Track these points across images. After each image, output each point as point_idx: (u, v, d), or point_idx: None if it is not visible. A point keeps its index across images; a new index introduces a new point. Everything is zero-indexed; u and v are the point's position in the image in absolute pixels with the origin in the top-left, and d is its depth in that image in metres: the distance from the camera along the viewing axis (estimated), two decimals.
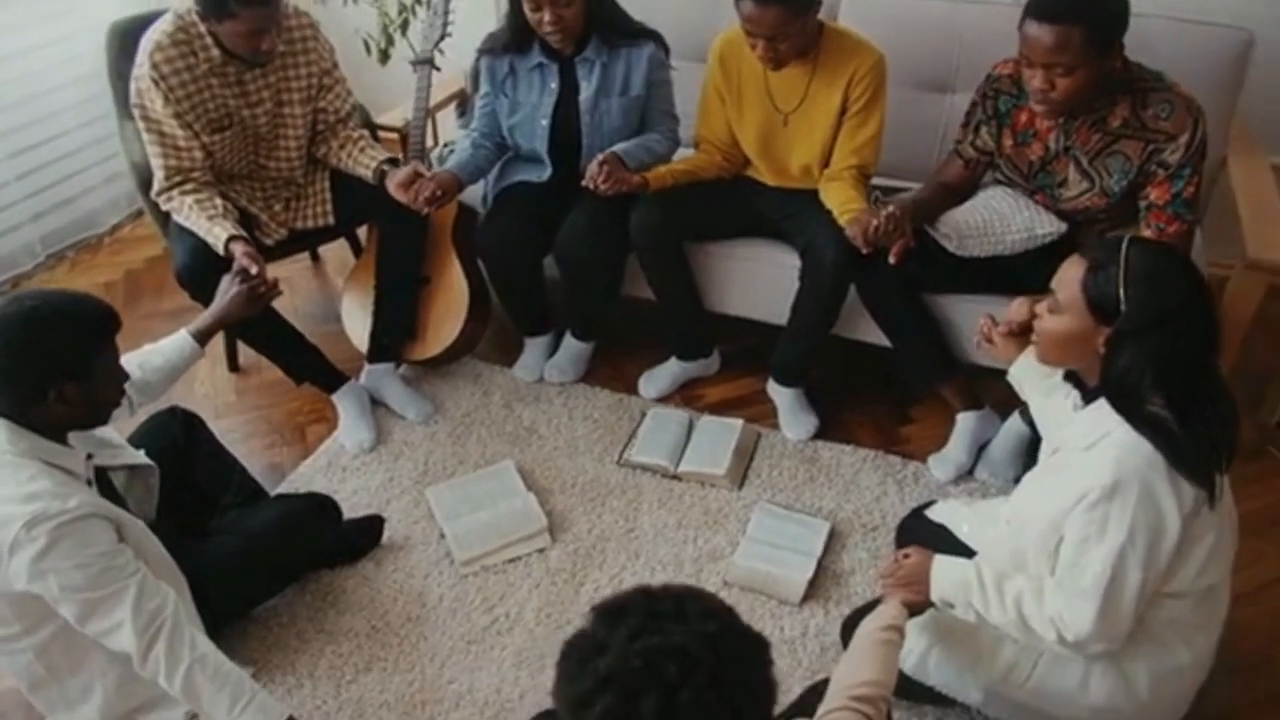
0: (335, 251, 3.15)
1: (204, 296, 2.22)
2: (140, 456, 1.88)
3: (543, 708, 1.83)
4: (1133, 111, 1.98)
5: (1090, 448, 1.51)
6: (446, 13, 2.63)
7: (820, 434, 2.49)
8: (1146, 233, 2.01)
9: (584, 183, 2.31)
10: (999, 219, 2.17)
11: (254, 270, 2.13)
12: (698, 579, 2.10)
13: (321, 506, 2.05)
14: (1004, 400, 2.37)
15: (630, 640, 0.97)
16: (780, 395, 2.55)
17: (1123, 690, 1.60)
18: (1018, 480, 2.30)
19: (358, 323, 2.65)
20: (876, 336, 2.41)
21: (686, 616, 0.99)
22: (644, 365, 2.70)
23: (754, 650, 1.00)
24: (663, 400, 2.63)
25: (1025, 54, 1.94)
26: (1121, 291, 1.44)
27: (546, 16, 2.26)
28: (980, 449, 2.38)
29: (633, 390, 2.65)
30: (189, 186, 2.30)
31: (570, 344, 2.69)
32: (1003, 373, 2.30)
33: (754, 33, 2.15)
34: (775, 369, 2.54)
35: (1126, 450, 1.44)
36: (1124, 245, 1.48)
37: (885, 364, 2.56)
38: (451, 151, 2.75)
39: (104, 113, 3.17)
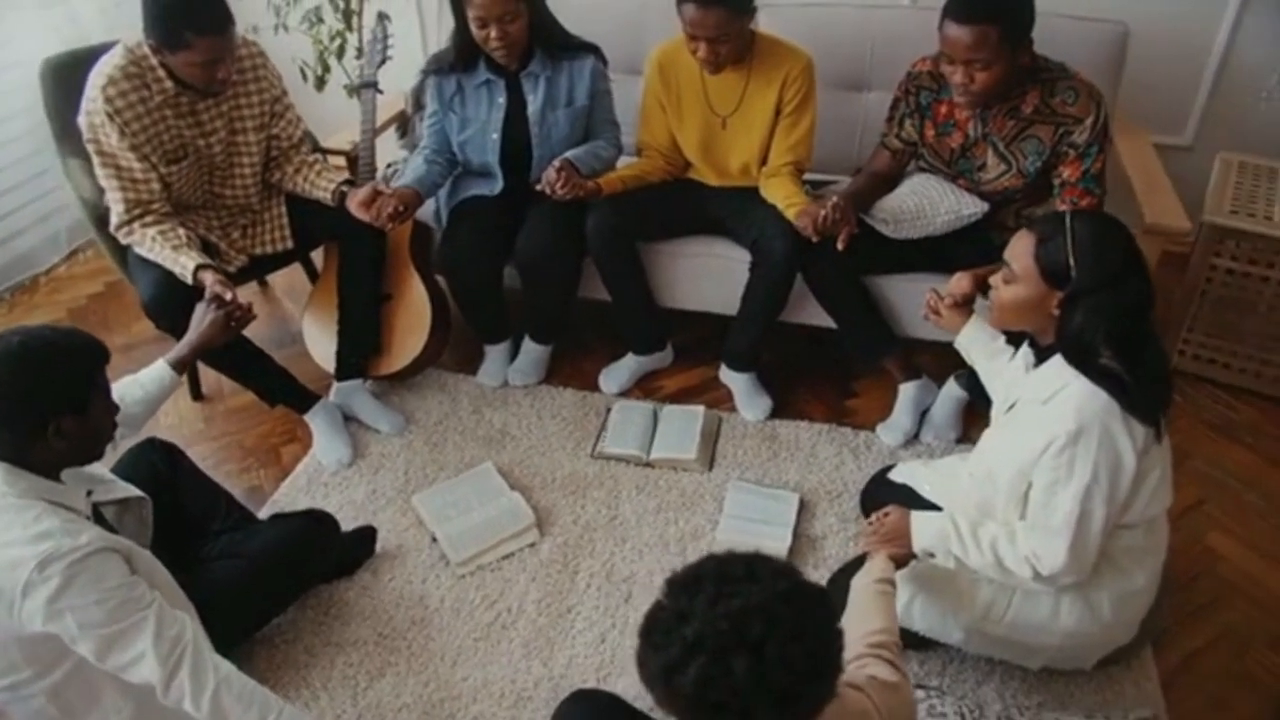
0: (283, 276, 3.05)
1: (175, 327, 2.13)
2: (131, 489, 1.79)
3: (558, 691, 1.84)
4: (1042, 99, 2.10)
5: (1048, 400, 1.61)
6: (386, 37, 2.59)
7: (775, 413, 2.54)
8: (1062, 208, 2.13)
9: (540, 187, 2.31)
10: (928, 203, 2.26)
11: (228, 296, 2.07)
12: (683, 557, 2.13)
13: (320, 521, 2.00)
14: (938, 369, 2.49)
15: (712, 605, 0.99)
16: (734, 380, 2.60)
17: (1089, 616, 1.71)
18: (959, 440, 2.45)
19: (322, 343, 2.58)
20: (818, 320, 2.48)
21: (759, 577, 1.01)
22: (601, 363, 2.71)
23: (821, 601, 1.03)
24: (624, 394, 2.64)
25: (946, 52, 2.04)
26: (1070, 258, 1.54)
27: (493, 33, 2.25)
28: (922, 414, 2.48)
29: (594, 387, 2.66)
30: (149, 219, 2.21)
31: (530, 348, 2.68)
32: (935, 344, 2.43)
33: (697, 35, 2.19)
34: (728, 356, 2.59)
35: (1085, 399, 1.54)
36: (1068, 217, 1.57)
37: (826, 345, 2.65)
38: (395, 172, 2.72)
39: (34, 150, 3.02)
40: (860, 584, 1.66)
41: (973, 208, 2.25)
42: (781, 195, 2.32)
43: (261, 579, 1.87)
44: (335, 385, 2.54)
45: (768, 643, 0.97)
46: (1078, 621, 1.71)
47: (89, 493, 1.63)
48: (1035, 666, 1.83)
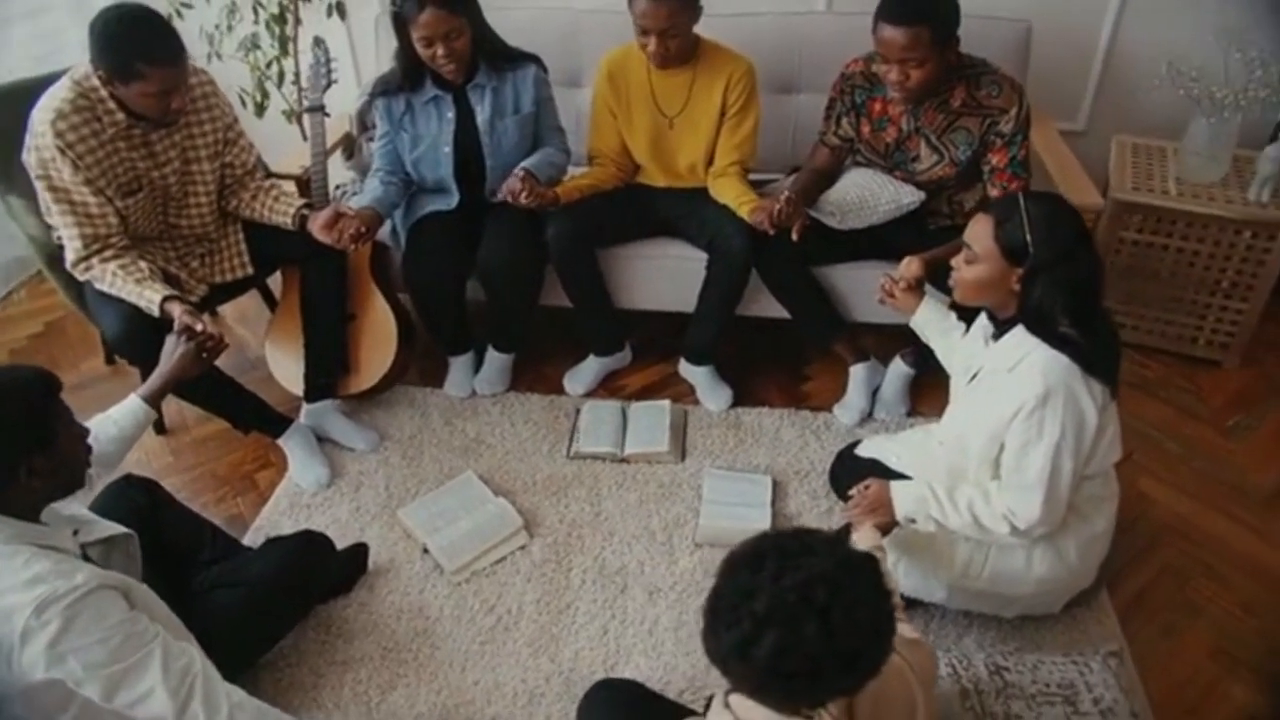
0: (233, 304, 2.92)
1: (144, 361, 2.04)
2: (116, 526, 1.69)
3: (570, 685, 1.82)
4: (968, 93, 2.18)
5: (1013, 368, 1.67)
6: (328, 61, 2.52)
7: (736, 402, 2.56)
8: (993, 192, 2.22)
9: (501, 196, 2.29)
10: (870, 194, 2.32)
11: (199, 327, 1.97)
12: (670, 545, 2.14)
13: (316, 542, 1.93)
14: (883, 350, 2.56)
15: (777, 579, 1.00)
16: (694, 374, 2.62)
17: (1059, 563, 1.79)
18: (909, 414, 2.52)
19: (287, 367, 2.49)
20: (770, 311, 2.52)
21: (815, 549, 1.03)
22: (563, 367, 2.70)
23: (874, 566, 1.05)
24: (590, 395, 2.63)
25: (882, 53, 2.10)
26: (1028, 237, 1.60)
27: (440, 51, 2.21)
28: (873, 393, 2.54)
29: (560, 391, 2.64)
30: (108, 253, 2.09)
31: (494, 357, 2.64)
32: (879, 327, 2.50)
33: (649, 29, 2.21)
34: (688, 351, 2.61)
35: (1049, 364, 1.61)
36: (1021, 199, 1.64)
37: (775, 334, 2.69)
38: (343, 194, 2.65)
39: None
40: None
41: (911, 197, 2.32)
42: (732, 195, 2.35)
43: (264, 604, 1.80)
44: (306, 407, 2.45)
45: (833, 609, 0.98)
46: (1049, 569, 1.79)
47: (75, 532, 1.54)
48: (1011, 615, 1.90)
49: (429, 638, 1.94)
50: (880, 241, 2.38)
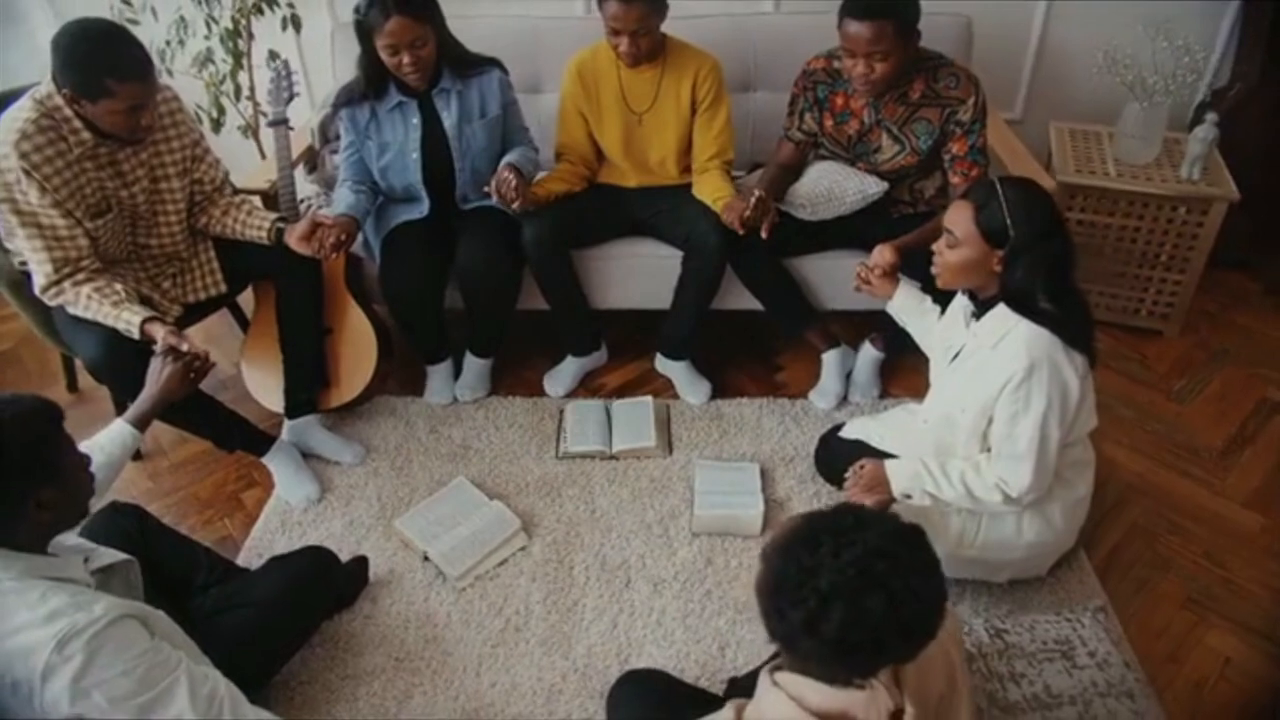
0: (200, 324, 2.83)
1: (126, 385, 1.96)
2: (115, 553, 1.63)
3: (586, 680, 1.82)
4: (927, 85, 2.24)
5: (997, 345, 1.73)
6: (289, 74, 2.46)
7: (715, 395, 2.59)
8: (954, 179, 2.29)
9: (486, 190, 2.28)
10: (837, 186, 2.37)
11: (184, 347, 1.91)
12: (667, 537, 2.15)
13: (320, 557, 1.88)
14: (850, 336, 2.62)
15: (836, 556, 1.02)
16: (672, 369, 2.63)
17: (1046, 527, 1.85)
18: (881, 396, 2.58)
19: (266, 384, 2.42)
20: (742, 304, 2.54)
21: (867, 524, 1.05)
22: (540, 369, 2.68)
23: (921, 535, 1.08)
24: (570, 395, 2.62)
25: (848, 48, 2.14)
26: (1008, 220, 1.66)
27: (405, 59, 2.19)
28: (846, 377, 2.59)
29: (540, 393, 2.62)
30: (80, 276, 2.01)
31: (473, 363, 2.61)
32: (845, 314, 2.55)
33: (620, 30, 2.22)
34: (665, 346, 2.62)
35: (1032, 339, 1.67)
36: (998, 185, 1.69)
37: (745, 327, 2.73)
38: (308, 207, 2.59)
39: None
40: None
41: (875, 187, 2.37)
42: (710, 191, 2.37)
43: (273, 623, 1.75)
44: (287, 424, 2.39)
45: (893, 579, 1.00)
46: (1038, 534, 1.86)
47: (85, 560, 1.48)
48: (1002, 579, 1.96)
49: (440, 644, 1.91)
50: (847, 231, 2.43)
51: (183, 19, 2.78)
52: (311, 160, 2.76)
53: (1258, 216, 2.80)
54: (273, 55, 2.83)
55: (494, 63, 2.39)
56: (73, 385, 2.68)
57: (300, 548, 1.91)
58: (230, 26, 2.73)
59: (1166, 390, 2.60)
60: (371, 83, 2.29)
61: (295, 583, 1.79)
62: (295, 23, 2.79)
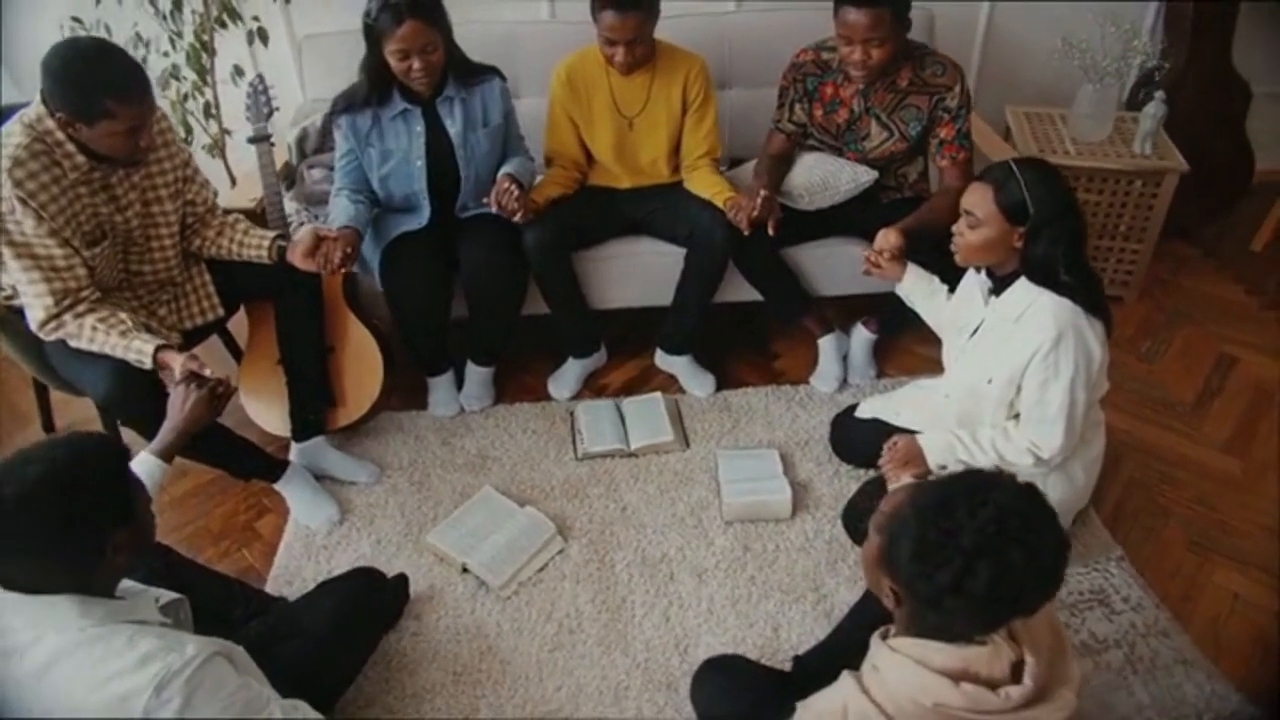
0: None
1: (143, 418, 1.88)
2: (169, 593, 1.56)
3: (649, 674, 1.82)
4: (914, 73, 2.32)
5: (1020, 318, 1.81)
6: (266, 90, 2.38)
7: (718, 386, 2.62)
8: (942, 163, 2.37)
9: (485, 201, 2.27)
10: (830, 175, 2.43)
11: (206, 372, 1.83)
12: (701, 527, 2.17)
13: (371, 577, 1.83)
14: (840, 322, 2.68)
15: (973, 516, 1.06)
16: (675, 364, 2.65)
17: (1069, 484, 1.95)
18: (878, 376, 2.66)
19: (269, 409, 2.33)
20: (738, 296, 2.58)
21: (994, 484, 1.10)
22: (542, 374, 2.67)
23: (1038, 490, 1.13)
24: (575, 397, 2.62)
25: (845, 34, 2.19)
26: (1027, 198, 1.74)
27: (415, 64, 2.15)
28: (842, 360, 2.66)
29: (545, 397, 2.61)
30: (81, 308, 1.90)
31: (476, 372, 2.57)
32: (835, 300, 2.62)
33: (617, 40, 2.23)
34: (667, 342, 2.64)
35: (1057, 309, 1.75)
36: (1013, 166, 1.77)
37: (739, 319, 2.77)
38: (291, 225, 2.51)
39: None
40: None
41: (867, 175, 2.44)
42: (707, 187, 2.40)
43: (333, 650, 1.70)
44: (296, 447, 2.31)
45: (1029, 534, 1.05)
46: (1061, 493, 1.94)
47: (157, 600, 1.41)
48: None
49: (496, 655, 1.89)
50: (839, 220, 2.50)
51: (139, 35, 2.65)
52: (290, 177, 2.67)
53: (1193, 187, 2.99)
54: (238, 71, 2.73)
55: (494, 71, 2.37)
56: (49, 426, 2.53)
57: (347, 571, 1.85)
58: (195, 42, 2.61)
59: (1135, 352, 2.76)
60: (376, 88, 2.24)
61: (349, 607, 1.73)
62: (262, 36, 2.69)
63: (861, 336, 2.65)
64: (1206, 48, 2.98)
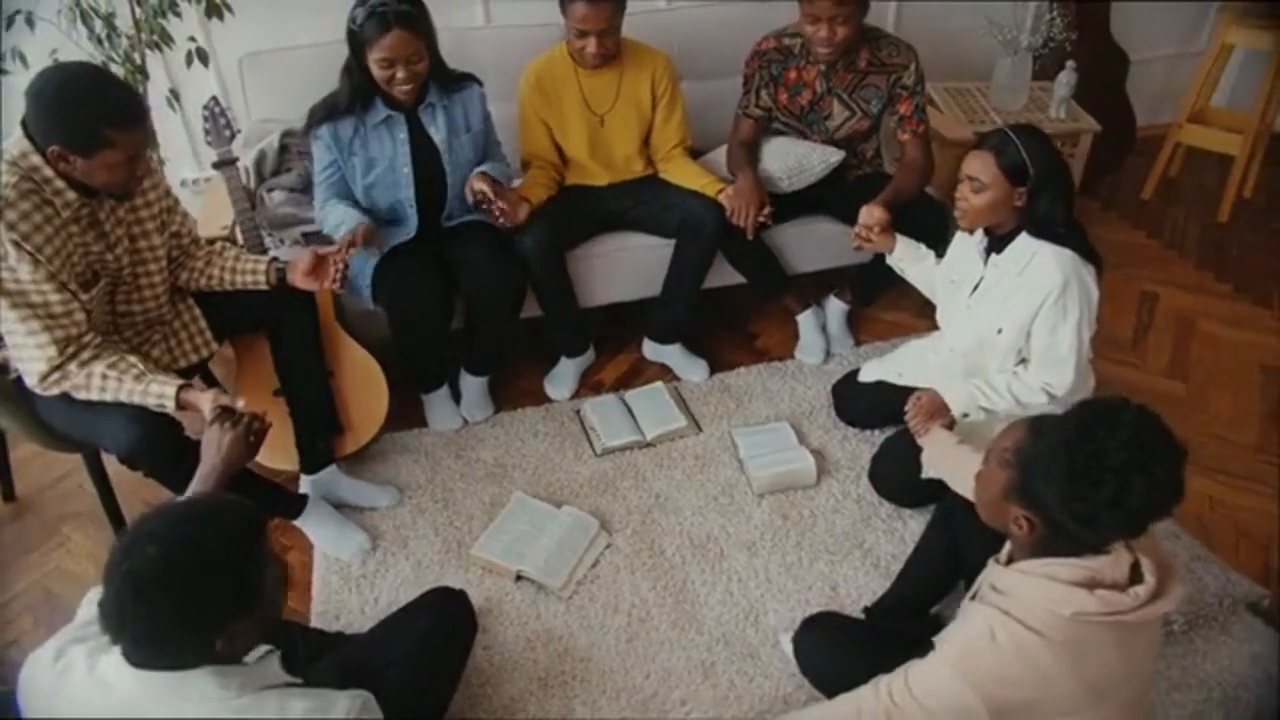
0: None
1: (172, 469, 1.75)
2: (265, 646, 1.48)
3: (731, 645, 1.87)
4: (871, 54, 2.45)
5: (1023, 270, 1.96)
6: (224, 111, 2.25)
7: (711, 370, 2.68)
8: (904, 137, 2.51)
9: (466, 191, 2.27)
10: (804, 158, 2.53)
11: (240, 405, 1.73)
12: (736, 503, 2.23)
13: (453, 595, 1.78)
14: (815, 295, 2.80)
15: (1114, 437, 1.17)
16: (666, 353, 2.69)
17: None
18: (856, 344, 2.79)
19: (270, 444, 2.17)
20: (721, 281, 2.65)
21: (1119, 407, 1.21)
22: (533, 378, 2.65)
23: (1148, 408, 1.24)
24: (574, 396, 2.61)
25: (813, 14, 2.29)
26: (1026, 157, 1.89)
27: (400, 74, 2.10)
28: (821, 331, 2.78)
29: (545, 400, 2.59)
30: (86, 355, 1.75)
31: (472, 383, 2.53)
32: (812, 276, 2.73)
33: (589, 31, 2.26)
34: (658, 332, 2.67)
35: (1059, 259, 1.91)
36: (1010, 132, 1.92)
37: (715, 304, 2.83)
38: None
39: None
40: (940, 452, 1.90)
41: (836, 155, 2.55)
42: (690, 177, 2.47)
43: (429, 675, 1.64)
44: (308, 479, 2.20)
45: (1165, 448, 1.18)
46: None
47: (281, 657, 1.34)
48: None
49: (574, 654, 1.88)
50: (810, 199, 2.61)
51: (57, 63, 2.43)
52: (249, 200, 2.53)
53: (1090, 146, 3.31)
54: (174, 95, 2.57)
55: (472, 78, 2.33)
56: (9, 494, 2.30)
57: (424, 593, 1.78)
58: (128, 65, 2.43)
59: None
60: (358, 96, 2.16)
61: (445, 626, 1.68)
62: (201, 57, 2.54)
63: (836, 307, 2.78)
64: (1090, 22, 3.29)
